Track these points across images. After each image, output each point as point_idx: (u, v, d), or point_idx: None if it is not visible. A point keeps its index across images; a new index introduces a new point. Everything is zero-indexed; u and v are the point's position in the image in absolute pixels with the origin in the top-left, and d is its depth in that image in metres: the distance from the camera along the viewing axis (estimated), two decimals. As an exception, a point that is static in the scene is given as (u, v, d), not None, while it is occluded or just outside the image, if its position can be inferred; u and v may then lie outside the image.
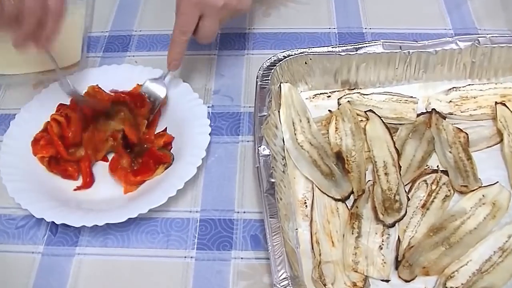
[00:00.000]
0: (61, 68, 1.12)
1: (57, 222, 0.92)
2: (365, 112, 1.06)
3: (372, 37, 1.24)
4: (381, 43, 1.08)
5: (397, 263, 0.88)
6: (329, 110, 1.08)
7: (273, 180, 0.90)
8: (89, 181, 1.01)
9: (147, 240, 0.94)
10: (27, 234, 0.98)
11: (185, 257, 0.93)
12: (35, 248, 0.96)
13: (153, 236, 0.96)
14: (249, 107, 1.10)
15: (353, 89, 1.12)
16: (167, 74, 1.07)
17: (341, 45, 1.08)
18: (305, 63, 1.08)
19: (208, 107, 1.09)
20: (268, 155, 0.93)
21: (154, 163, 1.00)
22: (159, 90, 1.07)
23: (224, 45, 1.23)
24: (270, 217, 0.86)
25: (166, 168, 0.99)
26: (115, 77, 1.13)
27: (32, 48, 0.91)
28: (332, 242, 0.91)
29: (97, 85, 1.07)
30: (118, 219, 0.91)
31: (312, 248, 0.90)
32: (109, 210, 0.95)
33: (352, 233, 0.91)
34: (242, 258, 0.93)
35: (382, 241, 0.91)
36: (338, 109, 1.08)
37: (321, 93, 1.12)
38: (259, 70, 1.05)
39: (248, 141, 1.06)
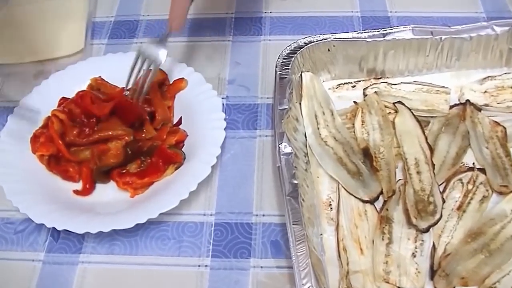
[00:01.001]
0: (64, 57, 1.08)
1: (58, 228, 0.84)
2: (393, 103, 0.98)
3: (398, 22, 1.16)
4: (411, 28, 1.00)
5: (433, 273, 0.81)
6: (354, 102, 1.00)
7: (296, 182, 0.82)
8: (89, 188, 0.93)
9: (157, 247, 0.88)
10: (26, 240, 0.91)
11: (199, 265, 0.86)
12: (36, 255, 0.89)
13: (163, 243, 0.88)
14: (267, 98, 1.04)
15: (380, 78, 1.04)
16: (168, 35, 0.95)
17: (367, 31, 1.00)
18: (328, 50, 1.00)
19: (222, 98, 1.02)
20: (290, 153, 0.86)
21: (163, 163, 0.93)
22: (159, 53, 0.96)
23: (239, 30, 1.16)
24: (294, 224, 0.78)
25: (176, 169, 0.92)
26: (121, 66, 1.03)
27: None
28: (361, 249, 0.84)
29: (99, 76, 0.99)
30: (125, 225, 0.84)
31: (339, 256, 0.83)
32: (116, 215, 0.87)
33: (383, 239, 0.83)
34: (261, 267, 0.85)
35: (415, 247, 0.83)
36: (364, 100, 1.00)
37: (345, 83, 1.04)
38: (278, 58, 0.97)
39: (266, 135, 0.99)
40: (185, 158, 0.93)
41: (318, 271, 0.77)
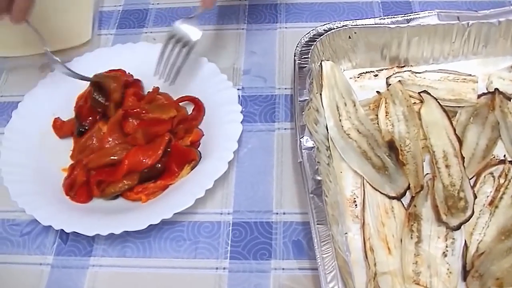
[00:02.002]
0: (69, 48, 1.02)
1: (67, 231, 0.80)
2: (418, 93, 0.93)
3: (420, 7, 1.10)
4: (436, 13, 0.94)
5: (465, 273, 0.76)
6: (377, 92, 0.95)
7: (319, 178, 0.78)
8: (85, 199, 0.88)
9: (171, 249, 0.83)
10: (33, 243, 0.87)
11: (217, 268, 0.81)
12: (43, 259, 0.85)
13: (178, 244, 0.84)
14: (285, 88, 0.99)
15: (403, 66, 0.99)
16: (201, 12, 0.90)
17: (389, 16, 0.95)
18: (349, 37, 0.95)
19: (238, 89, 0.98)
20: (312, 147, 0.81)
21: (177, 164, 0.87)
22: (192, 32, 0.91)
23: (253, 18, 1.11)
24: (318, 223, 0.74)
25: (192, 168, 0.86)
26: (130, 57, 1.00)
27: (9, 21, 0.81)
28: (388, 248, 0.79)
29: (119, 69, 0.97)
30: (137, 226, 0.79)
31: (366, 256, 0.78)
32: (127, 215, 0.82)
33: (411, 238, 0.78)
34: (283, 268, 0.80)
35: (446, 246, 0.78)
36: (388, 90, 0.95)
37: (366, 72, 1.00)
38: (297, 46, 0.93)
39: (285, 128, 0.94)
40: (201, 158, 0.88)
41: (345, 273, 0.72)
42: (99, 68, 0.97)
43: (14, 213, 0.89)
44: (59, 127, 0.95)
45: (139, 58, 1.00)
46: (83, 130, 0.92)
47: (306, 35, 0.94)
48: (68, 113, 0.95)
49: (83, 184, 0.87)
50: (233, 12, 1.12)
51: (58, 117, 0.95)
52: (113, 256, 0.84)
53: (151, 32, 1.12)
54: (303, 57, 0.91)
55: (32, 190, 0.86)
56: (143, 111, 0.90)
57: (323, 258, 0.71)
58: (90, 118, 0.93)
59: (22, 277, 0.83)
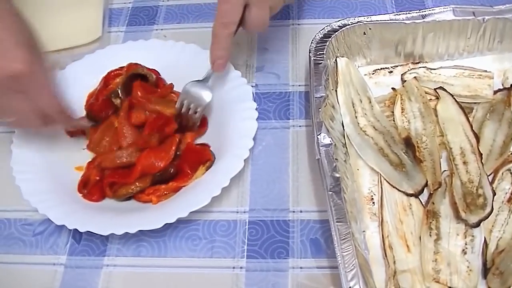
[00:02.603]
0: (79, 46, 1.02)
1: (81, 230, 0.79)
2: (434, 89, 0.92)
3: (433, 2, 1.09)
4: (451, 9, 0.93)
5: (486, 271, 0.75)
6: (392, 88, 0.94)
7: (337, 175, 0.77)
8: (96, 199, 0.87)
9: (187, 248, 0.82)
10: (46, 242, 0.85)
11: (234, 267, 0.80)
12: (57, 258, 0.84)
13: (194, 243, 0.83)
14: (299, 85, 0.98)
15: (418, 62, 0.98)
16: (211, 75, 0.90)
17: (404, 12, 0.94)
18: (364, 33, 0.94)
19: (252, 86, 0.96)
20: (329, 144, 0.80)
21: (191, 166, 0.86)
22: (203, 95, 0.91)
23: (265, 15, 1.05)
24: (337, 221, 0.73)
25: (207, 169, 0.85)
26: (142, 54, 0.99)
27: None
28: (407, 246, 0.78)
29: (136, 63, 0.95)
30: (153, 225, 0.78)
31: (385, 254, 0.77)
32: (142, 214, 0.81)
33: (430, 235, 0.78)
34: (301, 267, 0.79)
35: (466, 244, 0.77)
36: (403, 86, 0.94)
37: (381, 68, 0.98)
38: (312, 42, 0.91)
39: (300, 126, 0.93)
40: (215, 158, 0.87)
41: (365, 272, 0.71)
42: (111, 65, 0.97)
43: (26, 213, 0.88)
44: None
45: (151, 55, 0.99)
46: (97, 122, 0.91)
47: (321, 31, 0.93)
48: (79, 112, 0.94)
49: (97, 182, 0.87)
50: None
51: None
52: (128, 256, 0.82)
53: (161, 29, 1.11)
54: (318, 53, 0.90)
55: (45, 189, 0.85)
56: (148, 102, 0.90)
57: (343, 256, 0.70)
58: (103, 113, 0.91)
59: (36, 277, 0.82)
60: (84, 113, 0.94)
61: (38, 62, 0.75)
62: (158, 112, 0.90)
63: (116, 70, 0.96)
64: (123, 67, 0.95)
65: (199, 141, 0.91)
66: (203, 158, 0.86)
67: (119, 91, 0.92)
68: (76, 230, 0.80)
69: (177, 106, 0.90)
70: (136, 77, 0.93)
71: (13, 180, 0.85)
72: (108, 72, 0.96)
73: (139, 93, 0.91)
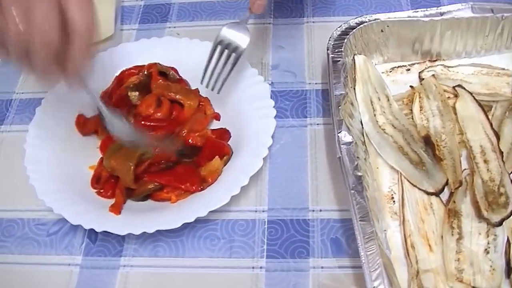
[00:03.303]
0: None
1: (97, 230, 0.77)
2: (453, 87, 0.91)
3: (448, 0, 1.07)
4: (470, 6, 0.93)
5: (509, 270, 0.74)
6: (410, 86, 0.93)
7: (359, 174, 0.76)
8: (110, 195, 0.86)
9: (205, 248, 0.81)
10: (61, 242, 0.84)
11: (253, 267, 0.79)
12: (72, 259, 0.82)
13: (212, 243, 0.81)
14: (316, 83, 0.97)
15: (435, 60, 0.97)
16: (249, 17, 0.86)
17: (422, 9, 0.93)
18: (381, 31, 0.93)
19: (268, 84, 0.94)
20: (350, 142, 0.79)
21: (208, 158, 0.85)
22: (240, 38, 0.86)
23: (279, 13, 1.09)
24: (360, 220, 0.72)
25: (225, 164, 0.85)
26: (156, 51, 0.98)
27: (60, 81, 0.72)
28: (429, 245, 0.77)
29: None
30: (171, 225, 0.77)
31: (408, 253, 0.76)
32: (159, 213, 0.80)
33: (452, 234, 0.76)
34: (322, 267, 0.78)
35: (488, 243, 0.76)
36: (421, 84, 0.93)
37: (398, 66, 0.97)
38: (329, 40, 0.91)
39: (318, 124, 0.92)
40: (232, 153, 0.86)
41: (390, 271, 0.71)
42: (125, 63, 0.96)
43: (40, 213, 0.86)
44: (83, 124, 0.92)
45: (165, 53, 0.98)
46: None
47: (338, 29, 0.92)
48: (92, 110, 0.93)
49: (108, 178, 0.86)
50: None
51: (82, 114, 0.92)
52: (145, 256, 0.81)
53: (174, 27, 1.10)
54: (336, 51, 0.90)
55: (59, 188, 0.83)
56: (170, 92, 0.90)
57: (367, 255, 0.69)
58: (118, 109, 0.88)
59: (51, 278, 0.80)
60: (96, 112, 0.91)
61: None
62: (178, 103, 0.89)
63: (130, 69, 0.94)
64: (138, 66, 0.94)
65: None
66: (221, 152, 0.86)
67: (137, 85, 0.90)
68: (91, 230, 0.78)
69: (211, 49, 0.86)
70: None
71: (26, 179, 0.83)
72: (122, 71, 0.95)
73: (160, 80, 0.90)
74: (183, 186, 0.83)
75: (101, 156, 0.89)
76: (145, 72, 0.91)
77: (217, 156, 0.85)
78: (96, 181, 0.87)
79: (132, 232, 0.77)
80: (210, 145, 0.87)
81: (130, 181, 0.83)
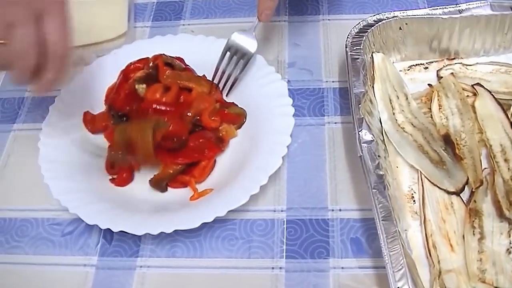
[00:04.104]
0: (106, 41, 1.00)
1: (114, 230, 0.76)
2: (472, 86, 0.90)
3: (466, -2, 1.04)
4: (489, 3, 0.91)
5: (532, 271, 0.71)
6: (428, 85, 0.92)
7: (381, 173, 0.75)
8: (126, 177, 0.86)
9: (223, 248, 0.79)
10: (76, 243, 0.83)
11: (273, 268, 0.77)
12: (87, 260, 0.81)
13: (230, 243, 0.80)
14: (333, 81, 0.96)
15: (453, 58, 0.96)
16: (257, 25, 0.90)
17: (441, 7, 0.92)
18: (400, 28, 0.92)
19: (284, 82, 0.93)
20: (371, 141, 0.78)
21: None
22: (249, 44, 0.90)
23: (295, 10, 1.08)
24: (383, 220, 0.71)
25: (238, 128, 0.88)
26: (171, 49, 0.96)
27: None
28: (451, 245, 0.76)
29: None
30: (189, 224, 0.75)
31: (429, 253, 0.75)
32: (177, 213, 0.79)
33: (474, 234, 0.75)
34: (342, 267, 0.77)
35: (510, 243, 0.75)
36: (440, 82, 0.92)
37: (416, 64, 0.96)
38: (348, 37, 0.89)
39: (335, 122, 0.91)
40: (246, 116, 0.90)
41: (413, 272, 0.70)
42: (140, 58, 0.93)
43: (54, 212, 0.85)
44: (91, 121, 0.91)
45: (180, 50, 0.96)
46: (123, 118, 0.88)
47: (356, 26, 0.91)
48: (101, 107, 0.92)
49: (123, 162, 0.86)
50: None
51: (88, 111, 0.92)
52: (162, 257, 0.80)
53: (188, 25, 1.09)
54: (354, 48, 0.88)
55: (74, 187, 0.82)
56: (181, 80, 0.89)
57: (391, 255, 0.68)
58: (127, 108, 0.88)
59: (67, 279, 0.79)
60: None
61: None
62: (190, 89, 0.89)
63: (135, 62, 0.93)
64: (143, 59, 0.93)
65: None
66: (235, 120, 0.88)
67: (144, 77, 0.89)
68: (107, 230, 0.77)
69: (221, 55, 0.91)
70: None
71: (39, 178, 0.82)
72: (127, 66, 0.93)
73: (168, 71, 0.89)
74: (205, 154, 0.84)
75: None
76: (151, 64, 0.90)
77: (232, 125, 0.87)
78: (111, 165, 0.87)
79: (149, 232, 0.75)
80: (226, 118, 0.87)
81: (150, 148, 0.82)
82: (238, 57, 0.90)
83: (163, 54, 0.93)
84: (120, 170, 0.86)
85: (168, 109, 0.86)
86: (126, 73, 0.93)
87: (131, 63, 0.93)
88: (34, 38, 0.67)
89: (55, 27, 0.69)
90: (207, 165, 0.84)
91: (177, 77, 0.89)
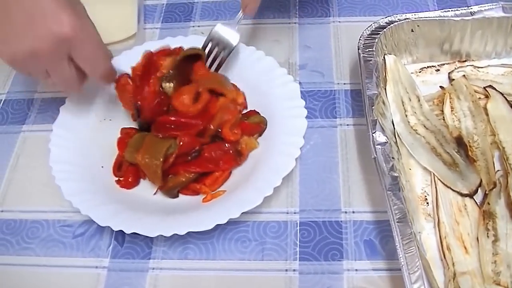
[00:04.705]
0: (116, 42, 1.00)
1: (126, 232, 0.76)
2: (484, 88, 0.90)
3: (475, 0, 1.06)
4: (501, 5, 0.91)
5: (546, 273, 0.71)
6: (440, 87, 0.92)
7: (395, 174, 0.75)
8: (131, 181, 0.85)
9: (236, 250, 0.79)
10: (87, 245, 0.82)
11: (286, 270, 0.77)
12: (99, 262, 0.80)
13: (244, 245, 0.80)
14: (344, 83, 0.96)
15: (465, 61, 0.96)
16: (240, 18, 0.89)
17: (453, 9, 0.92)
18: (412, 30, 0.91)
19: (296, 84, 0.92)
20: (385, 142, 0.78)
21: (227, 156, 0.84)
22: (231, 36, 0.90)
23: (305, 12, 1.07)
24: (398, 222, 0.71)
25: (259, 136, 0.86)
26: (181, 50, 0.93)
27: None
28: (465, 247, 0.75)
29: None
30: (203, 226, 0.75)
31: (444, 255, 0.75)
32: (189, 215, 0.78)
33: (488, 236, 0.75)
34: (356, 270, 0.76)
35: (524, 245, 0.72)
36: (452, 85, 0.91)
37: (428, 66, 0.96)
38: (360, 39, 0.89)
39: (347, 124, 0.91)
40: (266, 124, 0.88)
41: (429, 274, 0.70)
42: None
43: (65, 214, 0.85)
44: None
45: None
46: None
47: (368, 28, 0.91)
48: (118, 107, 0.90)
49: (130, 164, 0.85)
50: (283, 6, 1.08)
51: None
52: (174, 259, 0.79)
53: (198, 26, 1.08)
54: (366, 50, 0.88)
55: (86, 189, 0.81)
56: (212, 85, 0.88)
57: (406, 257, 0.68)
58: (155, 114, 0.86)
59: (78, 281, 0.79)
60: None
61: (84, 25, 0.73)
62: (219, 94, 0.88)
63: (158, 52, 0.88)
64: (165, 49, 0.90)
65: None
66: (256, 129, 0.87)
67: (172, 76, 0.86)
68: (118, 232, 0.77)
69: (202, 46, 0.90)
70: (190, 59, 0.89)
71: (50, 179, 0.82)
72: (148, 54, 0.88)
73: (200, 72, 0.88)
74: (220, 166, 0.83)
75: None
76: (178, 58, 0.87)
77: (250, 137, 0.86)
78: (118, 168, 0.86)
79: (162, 233, 0.75)
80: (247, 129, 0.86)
81: (158, 178, 0.81)
82: (219, 49, 0.90)
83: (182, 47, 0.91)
84: (126, 173, 0.85)
85: (193, 122, 0.85)
86: (148, 64, 0.89)
87: (151, 52, 0.90)
88: (71, 74, 0.76)
89: (85, 59, 0.75)
90: (221, 176, 0.82)
91: (209, 81, 0.88)
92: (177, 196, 0.84)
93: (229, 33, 0.90)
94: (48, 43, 0.70)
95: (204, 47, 0.90)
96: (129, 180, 0.85)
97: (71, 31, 0.70)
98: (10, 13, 0.71)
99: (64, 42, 0.71)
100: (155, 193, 0.84)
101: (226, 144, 0.84)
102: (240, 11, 0.88)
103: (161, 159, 0.80)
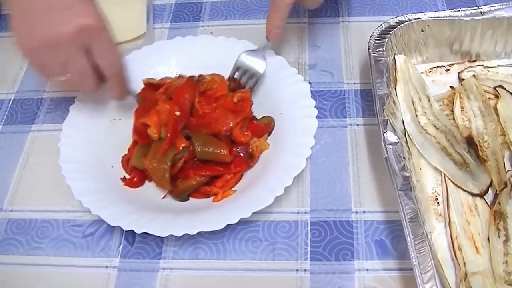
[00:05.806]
0: (125, 42, 0.99)
1: (137, 231, 0.75)
2: (494, 88, 0.89)
3: (484, 0, 1.06)
4: (511, 5, 0.91)
5: (557, 273, 0.70)
6: (450, 87, 0.91)
7: (407, 174, 0.74)
8: (137, 181, 0.85)
9: (247, 250, 0.79)
10: (97, 244, 0.82)
11: (297, 270, 0.77)
12: (109, 261, 0.81)
13: (254, 245, 0.80)
14: (354, 83, 0.96)
15: (474, 61, 0.96)
16: (266, 45, 0.89)
17: (463, 9, 0.92)
18: (422, 30, 0.91)
19: (305, 84, 0.92)
20: (396, 142, 0.78)
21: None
22: (257, 64, 0.90)
23: (314, 12, 1.07)
24: (410, 221, 0.71)
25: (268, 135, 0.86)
26: (191, 50, 0.96)
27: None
28: (476, 247, 0.75)
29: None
30: (214, 226, 0.74)
31: (455, 255, 0.75)
32: (200, 215, 0.78)
33: (499, 236, 0.75)
34: (367, 269, 0.76)
35: (536, 245, 0.72)
36: (461, 85, 0.91)
37: (437, 66, 0.96)
38: (370, 39, 0.89)
39: (358, 124, 0.91)
40: (274, 125, 0.88)
41: (441, 274, 0.70)
42: (159, 61, 0.95)
43: (75, 214, 0.85)
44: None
45: (201, 51, 0.96)
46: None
47: (378, 28, 0.91)
48: (127, 106, 0.91)
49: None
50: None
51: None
52: (185, 259, 0.80)
53: (207, 26, 1.08)
54: (377, 50, 0.88)
55: (96, 188, 0.81)
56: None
57: (418, 257, 0.68)
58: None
59: (88, 281, 0.79)
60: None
61: (104, 19, 0.75)
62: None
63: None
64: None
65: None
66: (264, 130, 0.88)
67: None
68: (129, 231, 0.76)
69: (230, 74, 0.91)
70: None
71: (59, 179, 0.82)
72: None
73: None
74: (231, 169, 0.83)
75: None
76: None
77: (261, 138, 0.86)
78: (127, 162, 0.87)
79: (173, 233, 0.75)
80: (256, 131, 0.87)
81: (166, 183, 0.81)
82: (247, 78, 0.90)
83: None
84: (132, 172, 0.85)
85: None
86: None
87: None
88: (87, 69, 0.76)
89: (103, 53, 0.76)
90: (232, 178, 0.82)
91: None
92: (187, 199, 0.84)
93: (255, 61, 0.91)
94: (70, 31, 0.71)
95: (232, 76, 0.91)
96: (135, 179, 0.85)
97: (94, 21, 0.72)
98: (31, 3, 0.72)
99: (86, 32, 0.72)
100: (163, 197, 0.84)
101: (238, 147, 0.84)
102: (265, 37, 0.89)
103: (169, 163, 0.80)
